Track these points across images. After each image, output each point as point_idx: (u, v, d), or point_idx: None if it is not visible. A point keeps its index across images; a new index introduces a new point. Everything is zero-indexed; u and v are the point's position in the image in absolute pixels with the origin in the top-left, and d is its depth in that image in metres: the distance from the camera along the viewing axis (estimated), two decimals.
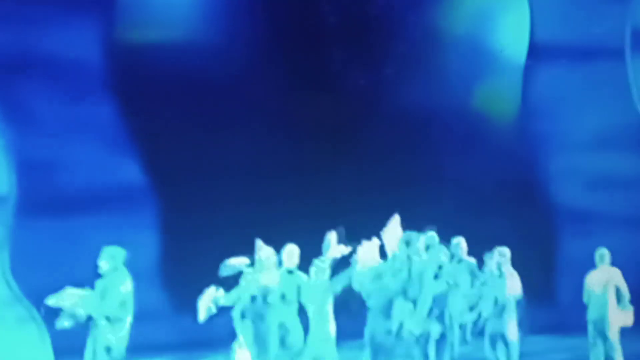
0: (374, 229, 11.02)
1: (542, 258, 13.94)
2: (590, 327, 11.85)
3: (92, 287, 9.83)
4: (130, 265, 13.07)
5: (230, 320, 10.83)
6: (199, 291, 12.36)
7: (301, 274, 10.55)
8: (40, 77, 12.98)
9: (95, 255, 12.67)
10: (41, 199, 12.71)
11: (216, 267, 11.00)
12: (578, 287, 13.51)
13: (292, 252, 10.56)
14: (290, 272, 10.47)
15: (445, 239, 12.12)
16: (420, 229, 11.26)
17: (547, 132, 15.63)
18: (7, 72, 13.00)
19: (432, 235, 11.60)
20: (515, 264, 12.32)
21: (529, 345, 12.32)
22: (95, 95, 13.05)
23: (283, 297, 10.43)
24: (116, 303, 9.69)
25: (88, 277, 10.17)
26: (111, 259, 9.90)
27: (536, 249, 13.68)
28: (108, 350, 9.65)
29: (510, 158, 15.48)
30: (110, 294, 9.71)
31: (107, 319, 9.66)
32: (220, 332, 11.04)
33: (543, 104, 15.69)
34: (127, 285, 9.83)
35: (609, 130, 15.66)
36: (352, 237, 10.65)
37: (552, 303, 14.71)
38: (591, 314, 11.86)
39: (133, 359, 12.33)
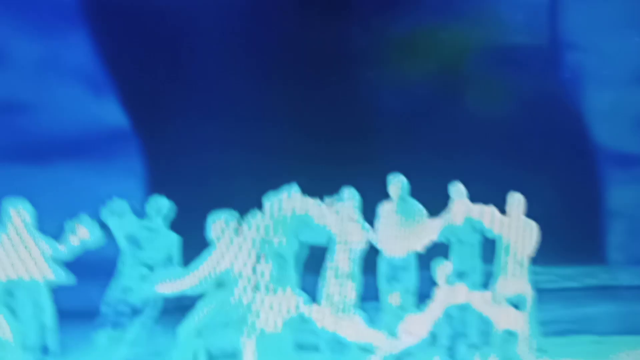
0: None
1: (587, 209, 12.48)
2: None
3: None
4: None
5: None
6: (189, 244, 11.32)
7: None
8: (9, 10, 11.87)
9: (75, 205, 11.67)
10: (16, 144, 11.69)
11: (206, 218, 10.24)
12: (629, 241, 12.24)
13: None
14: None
15: (480, 193, 10.88)
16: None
17: (585, 65, 14.17)
18: None
19: None
20: (556, 217, 11.42)
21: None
22: (71, 31, 11.90)
23: None
24: None
25: None
26: None
27: (579, 199, 12.25)
28: None
29: (544, 97, 14.00)
30: None
31: None
32: None
33: (580, 34, 14.21)
34: None
35: None
36: None
37: (599, 260, 13.25)
38: None
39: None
